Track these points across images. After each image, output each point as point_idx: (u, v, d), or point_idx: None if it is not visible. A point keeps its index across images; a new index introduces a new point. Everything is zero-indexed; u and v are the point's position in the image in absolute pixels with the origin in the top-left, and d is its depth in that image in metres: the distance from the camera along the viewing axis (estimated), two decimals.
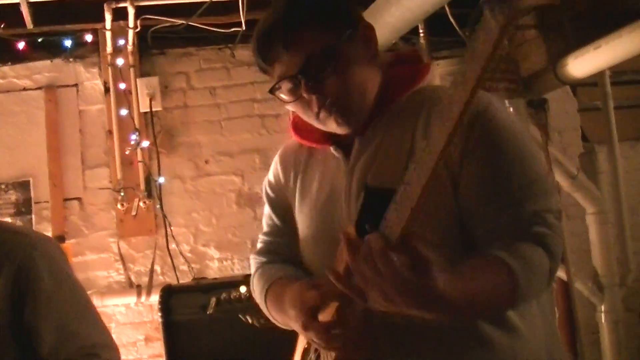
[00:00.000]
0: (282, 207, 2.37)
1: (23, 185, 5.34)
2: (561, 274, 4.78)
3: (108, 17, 5.03)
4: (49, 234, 5.18)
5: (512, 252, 1.78)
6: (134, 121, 5.33)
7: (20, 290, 2.61)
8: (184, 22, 5.28)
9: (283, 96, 2.08)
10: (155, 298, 5.03)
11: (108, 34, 5.28)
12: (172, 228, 5.36)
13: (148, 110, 5.38)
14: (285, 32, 1.99)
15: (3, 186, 5.31)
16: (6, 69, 5.47)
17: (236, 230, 5.44)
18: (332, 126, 2.06)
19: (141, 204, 5.31)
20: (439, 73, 4.53)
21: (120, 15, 5.11)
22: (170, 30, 5.42)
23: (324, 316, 1.90)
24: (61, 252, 2.86)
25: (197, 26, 5.32)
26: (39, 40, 5.34)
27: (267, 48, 2.04)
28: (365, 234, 1.61)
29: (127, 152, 5.31)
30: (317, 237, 2.19)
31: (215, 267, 5.38)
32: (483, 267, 1.76)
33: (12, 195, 5.32)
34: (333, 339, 1.86)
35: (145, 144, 5.36)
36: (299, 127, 2.30)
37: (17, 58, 5.43)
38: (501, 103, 2.09)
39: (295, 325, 2.04)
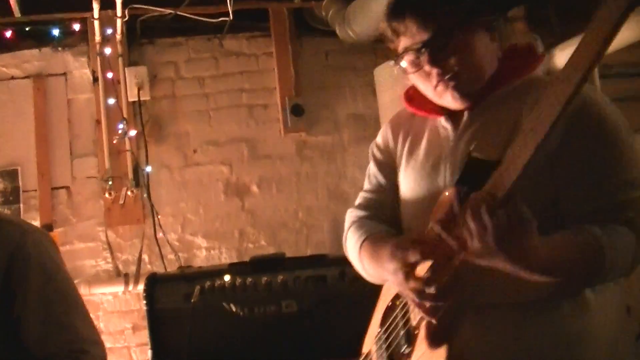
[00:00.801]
0: (388, 168, 2.53)
1: (11, 174, 5.34)
2: None
3: (96, 6, 5.04)
4: (37, 222, 5.20)
5: (606, 231, 1.93)
6: (121, 110, 5.34)
7: (11, 281, 2.61)
8: (172, 11, 5.30)
9: (405, 66, 2.23)
10: (142, 287, 5.05)
11: (96, 23, 5.28)
12: (159, 217, 5.36)
13: (136, 99, 5.39)
14: (418, 6, 2.15)
15: None
16: None
17: (223, 220, 5.45)
18: (447, 100, 2.22)
19: (129, 193, 5.32)
20: None
21: (108, 4, 5.11)
22: (159, 19, 5.44)
23: (420, 272, 2.04)
24: (53, 244, 2.85)
25: (185, 16, 5.34)
26: (27, 29, 5.35)
27: (398, 18, 2.19)
28: (462, 196, 1.85)
29: (115, 142, 5.31)
30: (419, 199, 2.32)
31: (203, 256, 5.39)
32: (574, 240, 1.93)
33: (0, 184, 5.32)
34: (426, 295, 1.98)
35: (133, 133, 5.36)
36: (413, 98, 2.43)
37: (5, 47, 5.43)
38: (603, 95, 2.26)
39: (391, 277, 2.14)
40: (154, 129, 5.47)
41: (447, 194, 2.00)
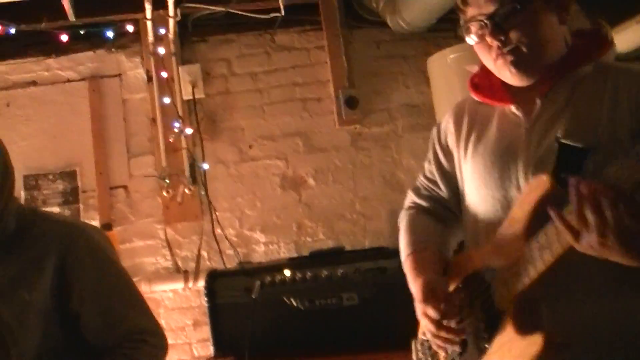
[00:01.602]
0: (450, 156, 2.55)
1: (70, 175, 5.42)
2: None
3: (148, 6, 5.08)
4: (96, 222, 5.27)
5: None
6: (177, 108, 5.38)
7: (66, 278, 2.66)
8: (223, 9, 5.32)
9: (469, 37, 2.27)
10: (202, 283, 5.08)
11: (149, 24, 5.32)
12: (217, 213, 5.39)
13: (191, 97, 5.44)
14: None
15: (50, 176, 5.39)
16: (50, 61, 5.56)
17: (281, 214, 5.47)
18: (506, 74, 2.23)
19: (186, 190, 5.36)
20: None
21: (160, 4, 5.15)
22: (210, 17, 5.49)
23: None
24: (106, 240, 2.90)
25: (236, 13, 5.35)
26: (81, 32, 5.40)
27: None
28: (561, 182, 1.85)
29: (171, 140, 5.36)
30: (489, 186, 2.29)
31: (262, 250, 5.41)
32: None
33: (60, 185, 5.39)
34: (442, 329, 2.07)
35: (189, 131, 5.40)
36: (479, 85, 2.46)
37: (60, 50, 5.51)
38: None
39: (419, 309, 2.27)
40: (209, 126, 5.50)
41: (539, 180, 1.99)
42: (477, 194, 2.36)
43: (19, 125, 5.43)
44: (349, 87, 5.49)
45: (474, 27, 2.22)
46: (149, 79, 5.50)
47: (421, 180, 2.70)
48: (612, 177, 1.71)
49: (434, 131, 2.66)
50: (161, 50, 5.43)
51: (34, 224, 2.75)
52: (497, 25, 2.14)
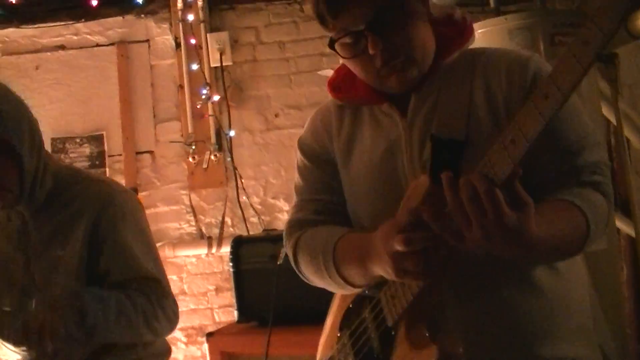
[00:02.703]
0: (326, 163, 2.29)
1: (97, 139, 5.47)
2: (628, 229, 4.73)
3: None
4: None
5: (581, 197, 1.84)
6: (204, 75, 5.41)
7: (99, 237, 2.71)
8: None
9: (342, 51, 2.03)
10: (225, 250, 5.14)
11: None
12: (242, 180, 5.44)
13: (218, 64, 5.47)
14: None
15: (78, 140, 5.44)
16: (79, 25, 5.60)
17: None
18: (392, 84, 2.03)
19: (212, 156, 5.40)
20: (507, 27, 4.51)
21: None
22: None
23: None
24: (139, 205, 2.95)
25: None
26: None
27: (334, 0, 1.96)
28: (438, 181, 1.66)
29: (198, 106, 5.39)
30: (376, 190, 2.13)
31: (285, 219, 5.38)
32: (561, 211, 1.82)
33: (87, 149, 5.45)
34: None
35: (216, 98, 5.43)
36: (339, 87, 2.25)
37: (90, 15, 5.55)
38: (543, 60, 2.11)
39: (380, 263, 1.88)
40: (236, 94, 5.52)
41: (420, 181, 1.88)
42: (365, 204, 2.20)
43: (47, 88, 5.48)
44: None
45: (346, 39, 1.98)
46: (177, 45, 5.53)
47: (300, 205, 2.36)
48: (485, 167, 1.65)
49: (301, 142, 2.38)
50: (190, 17, 5.46)
51: (73, 182, 2.80)
52: (378, 35, 1.93)
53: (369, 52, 1.95)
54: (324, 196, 2.30)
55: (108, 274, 2.73)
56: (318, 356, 2.44)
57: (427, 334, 1.88)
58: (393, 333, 2.00)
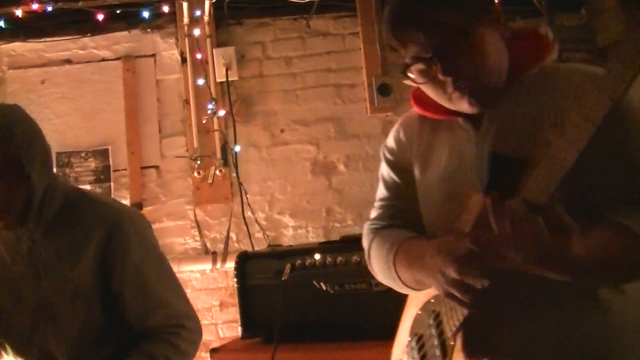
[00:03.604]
0: (405, 170, 2.42)
1: (102, 153, 5.46)
2: None
3: None
4: (127, 201, 5.32)
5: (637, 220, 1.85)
6: (210, 90, 5.40)
7: (109, 258, 2.72)
8: None
9: (414, 77, 2.11)
10: (230, 265, 5.13)
11: (185, 5, 5.36)
12: (247, 196, 5.42)
13: (224, 79, 5.45)
14: (421, 12, 2.01)
15: (83, 154, 5.43)
16: (86, 39, 5.60)
17: (311, 199, 5.48)
18: (464, 106, 2.09)
19: (217, 172, 5.39)
20: None
21: None
22: (247, 0, 5.50)
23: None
24: (147, 224, 2.98)
25: None
26: (118, 11, 5.43)
27: (401, 28, 2.07)
28: (496, 201, 1.74)
29: (204, 121, 5.38)
30: (444, 203, 2.20)
31: (290, 234, 5.43)
32: (615, 235, 1.84)
33: (92, 163, 5.44)
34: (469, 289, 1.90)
35: (222, 113, 5.42)
36: (422, 99, 2.32)
37: (97, 29, 5.55)
38: None
39: (435, 277, 1.99)
40: (242, 109, 5.51)
41: (476, 198, 1.93)
42: (433, 214, 2.30)
43: (53, 102, 5.48)
44: (382, 75, 5.48)
45: (418, 66, 2.07)
46: (184, 60, 5.53)
47: (380, 205, 2.54)
48: (530, 189, 1.72)
49: (384, 148, 2.53)
50: (196, 32, 5.46)
51: (81, 203, 2.82)
52: (446, 62, 2.00)
53: (439, 78, 2.04)
54: (400, 203, 2.45)
55: (121, 295, 2.74)
56: (392, 358, 2.53)
57: (481, 347, 1.98)
58: (452, 343, 2.06)
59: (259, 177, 5.50)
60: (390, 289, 3.78)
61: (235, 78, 5.50)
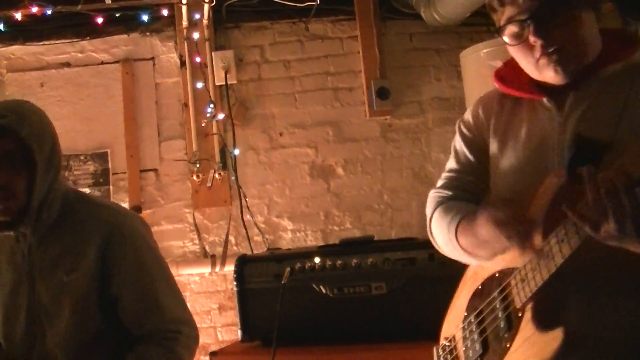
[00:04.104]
0: (478, 146, 2.49)
1: (101, 157, 5.47)
2: None
3: None
4: (126, 204, 5.33)
5: None
6: (209, 94, 5.40)
7: (109, 261, 2.73)
8: None
9: (508, 38, 2.19)
10: (229, 268, 5.16)
11: (184, 8, 5.35)
12: (246, 199, 5.43)
13: (223, 83, 5.47)
14: None
15: (82, 157, 5.44)
16: (85, 43, 5.61)
17: (309, 202, 5.50)
18: (549, 74, 2.16)
19: (216, 175, 5.41)
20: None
21: None
22: (245, 4, 5.52)
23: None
24: (146, 227, 2.98)
25: (271, 0, 5.37)
26: (117, 15, 5.44)
27: None
28: (574, 176, 1.84)
29: (203, 125, 5.39)
30: (525, 182, 2.23)
31: (289, 238, 5.45)
32: None
33: (91, 166, 5.45)
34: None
35: (222, 116, 5.44)
36: (504, 77, 2.41)
37: (96, 32, 5.57)
38: None
39: (501, 239, 2.08)
40: (240, 112, 5.52)
41: (557, 173, 2.00)
42: (510, 190, 2.31)
43: (52, 105, 5.47)
44: (381, 78, 5.50)
45: (513, 27, 2.15)
46: (182, 63, 5.54)
47: (447, 176, 2.62)
48: (624, 165, 1.71)
49: (460, 122, 2.61)
50: (195, 36, 5.47)
51: (79, 206, 2.83)
52: (540, 25, 2.07)
53: (530, 41, 2.11)
54: (470, 177, 2.52)
55: (119, 298, 2.75)
56: (442, 334, 2.58)
57: (553, 318, 1.97)
58: (520, 315, 2.08)
59: (257, 181, 5.52)
60: (388, 293, 3.83)
61: (234, 81, 5.52)
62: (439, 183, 2.63)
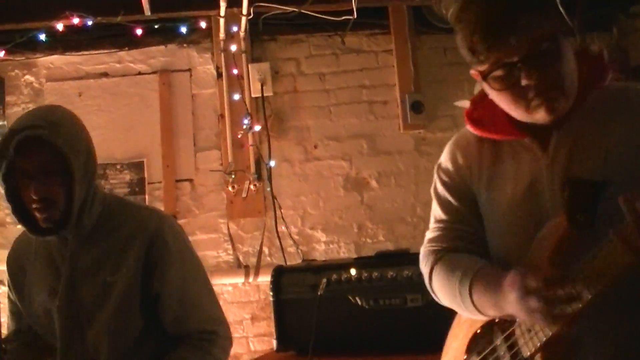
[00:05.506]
0: (462, 193, 2.39)
1: (137, 166, 5.52)
2: None
3: (223, 4, 5.15)
4: None
5: None
6: (246, 105, 5.45)
7: (151, 261, 2.77)
8: (295, 9, 5.39)
9: (494, 83, 2.08)
10: (262, 279, 5.20)
11: (221, 21, 5.42)
12: (281, 210, 5.47)
13: (259, 95, 5.52)
14: (514, 17, 1.99)
15: (118, 166, 5.50)
16: (122, 53, 5.67)
17: (343, 214, 5.52)
18: (540, 115, 2.06)
19: (251, 186, 5.43)
20: None
21: (234, 2, 5.24)
22: (282, 17, 5.55)
23: None
24: (183, 230, 3.02)
25: (308, 13, 5.42)
26: (155, 26, 5.50)
27: (492, 32, 2.01)
28: (575, 223, 1.81)
29: (239, 136, 5.44)
30: (519, 226, 2.17)
31: (322, 249, 5.47)
32: None
33: (127, 175, 5.50)
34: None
35: (257, 128, 5.48)
36: (480, 120, 2.32)
37: (134, 43, 5.63)
38: None
39: (512, 308, 2.00)
40: (276, 124, 5.58)
41: (556, 222, 1.95)
42: (505, 238, 2.26)
43: (90, 115, 5.51)
44: (415, 92, 5.53)
45: (500, 71, 2.03)
46: (219, 75, 5.59)
47: (437, 227, 2.48)
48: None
49: (438, 169, 2.49)
50: (232, 48, 5.53)
51: (119, 210, 2.87)
52: (532, 66, 1.98)
53: (520, 84, 2.01)
54: (462, 226, 2.40)
55: (160, 298, 2.79)
56: None
57: None
58: None
59: (291, 192, 5.55)
60: (423, 305, 3.85)
61: (270, 93, 5.56)
62: (430, 235, 2.51)
